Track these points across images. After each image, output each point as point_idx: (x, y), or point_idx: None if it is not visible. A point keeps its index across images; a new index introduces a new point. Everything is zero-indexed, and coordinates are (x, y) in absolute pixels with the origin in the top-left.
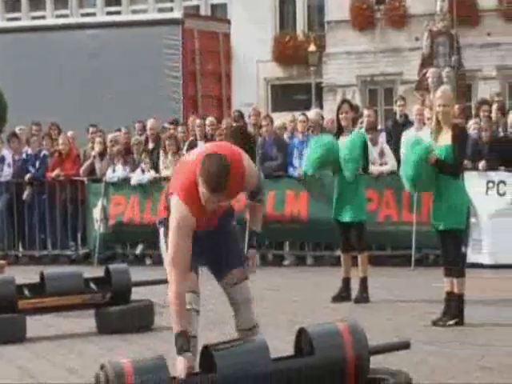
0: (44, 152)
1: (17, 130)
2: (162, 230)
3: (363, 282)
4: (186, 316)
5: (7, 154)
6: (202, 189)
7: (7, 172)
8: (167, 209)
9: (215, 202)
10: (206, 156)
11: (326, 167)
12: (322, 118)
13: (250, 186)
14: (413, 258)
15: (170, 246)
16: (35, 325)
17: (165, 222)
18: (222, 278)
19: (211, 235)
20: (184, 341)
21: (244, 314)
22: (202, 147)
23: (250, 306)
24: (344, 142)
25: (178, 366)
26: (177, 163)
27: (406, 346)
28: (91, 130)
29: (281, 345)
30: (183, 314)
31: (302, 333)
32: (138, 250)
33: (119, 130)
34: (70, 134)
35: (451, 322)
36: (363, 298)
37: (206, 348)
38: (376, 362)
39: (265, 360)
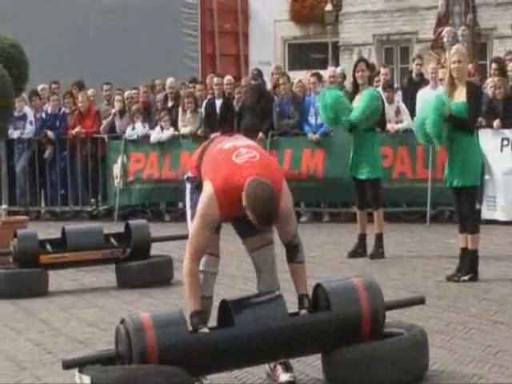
0: (64, 110)
1: (39, 88)
2: (188, 186)
3: (379, 238)
4: (199, 291)
5: (29, 111)
6: (251, 217)
7: (29, 129)
8: (197, 168)
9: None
10: (254, 184)
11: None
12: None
13: (283, 207)
14: (428, 215)
15: (191, 229)
16: (57, 279)
17: (193, 179)
18: (246, 239)
19: None
20: (198, 320)
21: (266, 277)
22: (242, 143)
23: (273, 270)
24: (359, 99)
25: None
26: (195, 120)
27: (420, 301)
28: (105, 87)
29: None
30: (196, 292)
31: (318, 288)
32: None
33: (136, 88)
34: (90, 92)
35: (465, 278)
36: (379, 253)
37: (223, 303)
38: (390, 316)
39: (282, 315)
